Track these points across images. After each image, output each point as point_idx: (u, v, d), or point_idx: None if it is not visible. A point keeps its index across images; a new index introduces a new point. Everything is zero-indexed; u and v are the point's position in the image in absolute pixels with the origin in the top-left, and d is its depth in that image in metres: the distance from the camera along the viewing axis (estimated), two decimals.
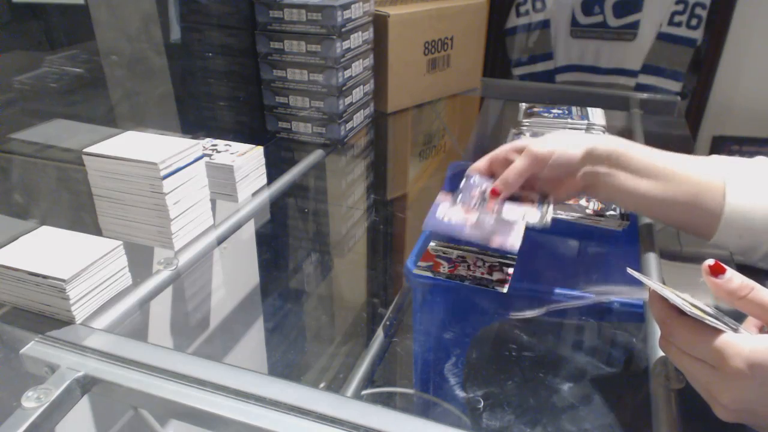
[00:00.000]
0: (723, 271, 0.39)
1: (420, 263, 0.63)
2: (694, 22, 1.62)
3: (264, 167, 0.76)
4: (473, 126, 1.23)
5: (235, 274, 0.90)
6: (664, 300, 0.42)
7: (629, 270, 0.45)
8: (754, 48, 1.62)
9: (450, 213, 0.62)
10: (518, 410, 0.63)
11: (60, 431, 0.44)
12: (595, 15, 1.70)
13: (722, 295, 0.39)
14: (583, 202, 0.76)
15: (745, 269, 0.43)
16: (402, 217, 0.99)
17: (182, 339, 0.81)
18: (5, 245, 0.52)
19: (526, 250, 0.71)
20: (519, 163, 0.60)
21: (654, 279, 0.46)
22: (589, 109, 0.95)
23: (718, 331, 0.38)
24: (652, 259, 0.63)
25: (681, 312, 0.41)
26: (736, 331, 0.39)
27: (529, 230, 0.61)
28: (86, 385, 0.45)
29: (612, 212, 0.73)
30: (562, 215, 0.74)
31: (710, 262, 0.39)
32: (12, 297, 0.51)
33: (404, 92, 1.11)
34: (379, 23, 1.01)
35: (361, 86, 0.99)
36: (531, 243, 0.82)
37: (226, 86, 0.96)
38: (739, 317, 0.41)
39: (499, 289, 0.60)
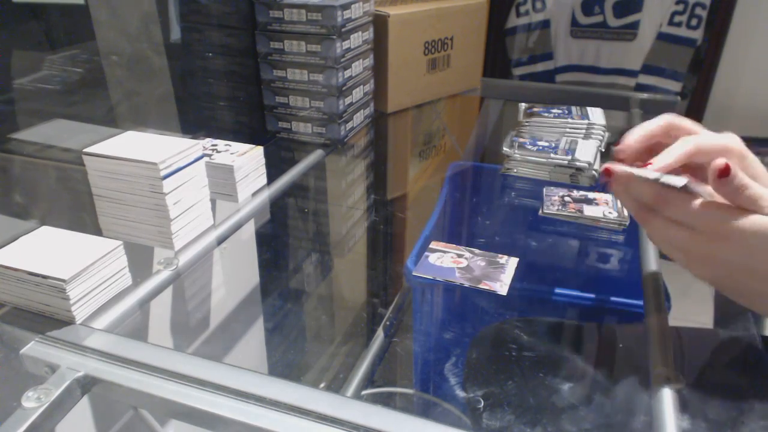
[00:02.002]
0: (728, 173, 0.43)
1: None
2: (694, 22, 1.62)
3: (264, 167, 0.76)
4: (473, 126, 1.23)
5: (235, 274, 0.90)
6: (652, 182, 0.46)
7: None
8: (754, 48, 1.62)
9: (441, 258, 0.65)
10: (518, 410, 0.63)
11: (60, 431, 0.44)
12: (595, 15, 1.71)
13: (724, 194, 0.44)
14: (585, 206, 0.76)
15: None
16: (402, 217, 0.99)
17: (182, 339, 0.81)
18: (5, 245, 0.52)
19: (527, 250, 0.71)
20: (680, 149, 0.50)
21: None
22: (589, 109, 0.95)
23: (711, 202, 0.44)
24: (652, 259, 0.63)
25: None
26: None
27: (529, 229, 0.62)
28: (86, 385, 0.45)
29: (612, 212, 0.73)
30: (562, 214, 0.74)
31: (720, 164, 0.43)
32: (12, 297, 0.51)
33: (404, 92, 1.11)
34: (379, 23, 1.01)
35: (361, 86, 0.99)
36: (531, 243, 0.83)
37: (226, 86, 0.96)
38: None
39: (498, 289, 0.60)
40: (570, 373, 0.67)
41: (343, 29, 0.88)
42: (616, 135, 0.99)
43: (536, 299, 0.70)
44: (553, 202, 0.75)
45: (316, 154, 0.93)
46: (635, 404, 0.61)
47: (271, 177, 0.78)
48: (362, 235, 0.98)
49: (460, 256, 0.65)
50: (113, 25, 0.78)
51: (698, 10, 1.61)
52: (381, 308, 0.84)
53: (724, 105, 1.67)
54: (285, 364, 0.82)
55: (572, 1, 1.70)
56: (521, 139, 0.88)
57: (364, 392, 0.59)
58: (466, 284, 0.60)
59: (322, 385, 0.72)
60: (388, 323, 0.67)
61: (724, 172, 0.43)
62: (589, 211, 0.74)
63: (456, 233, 0.92)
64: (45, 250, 0.52)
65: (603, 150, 0.87)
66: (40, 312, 0.51)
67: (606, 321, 0.71)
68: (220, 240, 0.66)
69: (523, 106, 0.98)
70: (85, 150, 0.59)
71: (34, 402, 0.41)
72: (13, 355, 0.47)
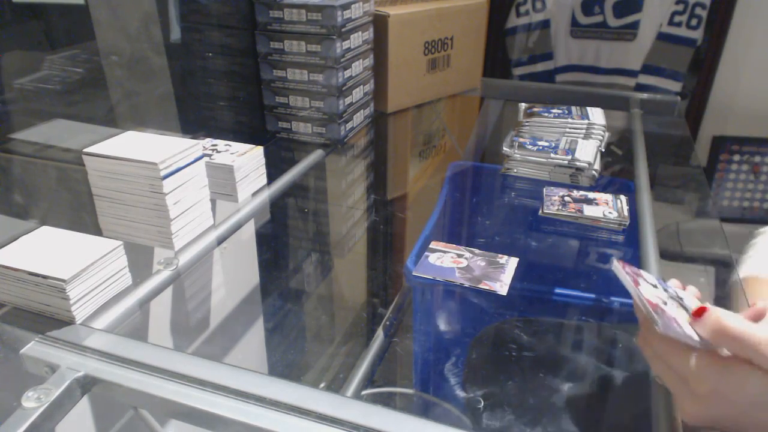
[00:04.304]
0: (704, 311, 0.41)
1: None
2: (694, 22, 1.62)
3: (264, 167, 0.76)
4: (473, 126, 1.23)
5: (235, 274, 0.90)
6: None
7: (614, 265, 0.45)
8: (754, 48, 1.62)
9: (441, 258, 0.65)
10: (518, 410, 0.63)
11: (60, 431, 0.44)
12: (595, 15, 1.71)
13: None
14: (585, 206, 0.76)
15: None
16: (402, 217, 0.99)
17: (182, 339, 0.81)
18: (5, 245, 0.52)
19: (527, 250, 0.71)
20: None
21: (646, 274, 0.47)
22: (589, 109, 0.95)
23: (690, 349, 0.40)
24: (652, 259, 0.63)
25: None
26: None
27: (529, 229, 0.62)
28: (86, 385, 0.45)
29: (612, 212, 0.73)
30: (562, 214, 0.74)
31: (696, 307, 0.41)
32: (12, 297, 0.51)
33: (404, 92, 1.11)
34: (379, 23, 1.01)
35: (361, 86, 0.99)
36: (531, 243, 0.83)
37: (226, 86, 0.96)
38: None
39: (498, 289, 0.60)
40: (570, 373, 0.67)
41: (343, 29, 0.88)
42: (616, 135, 0.99)
43: (536, 299, 0.70)
44: (553, 202, 0.75)
45: (316, 154, 0.93)
46: (635, 404, 0.61)
47: (271, 177, 0.78)
48: (362, 235, 0.98)
49: (460, 256, 0.65)
50: (113, 25, 0.78)
51: (698, 10, 1.61)
52: (381, 308, 0.84)
53: (724, 105, 1.67)
54: (285, 364, 0.82)
55: (572, 1, 1.70)
56: (521, 139, 0.88)
57: (364, 392, 0.59)
58: (466, 284, 0.60)
59: (322, 385, 0.72)
60: (388, 323, 0.67)
61: (699, 313, 0.41)
62: (589, 211, 0.74)
63: (456, 233, 0.92)
64: (45, 250, 0.52)
65: (603, 150, 0.87)
66: (40, 312, 0.51)
67: (606, 321, 0.71)
68: (220, 240, 0.66)
69: (523, 106, 0.98)
70: (85, 150, 0.59)
71: (34, 402, 0.41)
72: (13, 355, 0.47)
